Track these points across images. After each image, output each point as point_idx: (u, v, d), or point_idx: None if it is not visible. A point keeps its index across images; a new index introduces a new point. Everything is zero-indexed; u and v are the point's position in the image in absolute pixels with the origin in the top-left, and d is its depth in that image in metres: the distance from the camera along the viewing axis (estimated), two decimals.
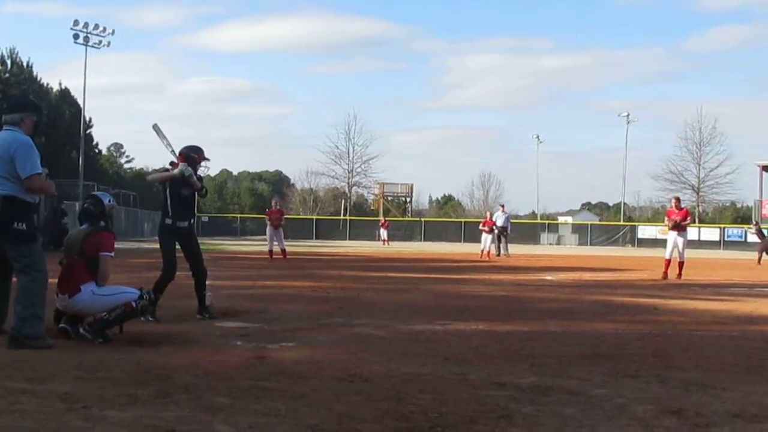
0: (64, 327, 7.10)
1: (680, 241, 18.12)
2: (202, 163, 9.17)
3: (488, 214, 32.54)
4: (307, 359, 6.16)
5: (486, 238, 29.30)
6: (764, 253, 28.64)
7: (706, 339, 8.03)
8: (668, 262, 18.07)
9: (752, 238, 59.18)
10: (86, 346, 6.58)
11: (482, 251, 28.95)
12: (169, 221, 8.92)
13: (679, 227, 18.14)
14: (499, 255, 29.33)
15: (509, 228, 31.95)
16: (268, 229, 23.77)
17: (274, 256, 23.40)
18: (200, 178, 9.17)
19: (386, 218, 62.97)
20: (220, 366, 5.74)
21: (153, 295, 7.64)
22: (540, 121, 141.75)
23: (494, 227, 29.83)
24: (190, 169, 8.83)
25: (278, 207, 24.86)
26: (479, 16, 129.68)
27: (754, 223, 34.82)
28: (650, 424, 4.32)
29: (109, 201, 7.71)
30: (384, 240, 53.16)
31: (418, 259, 29.53)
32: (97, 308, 7.03)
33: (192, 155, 9.07)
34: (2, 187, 6.55)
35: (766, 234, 29.68)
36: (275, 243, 23.58)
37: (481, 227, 30.12)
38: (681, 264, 17.96)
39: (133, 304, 7.04)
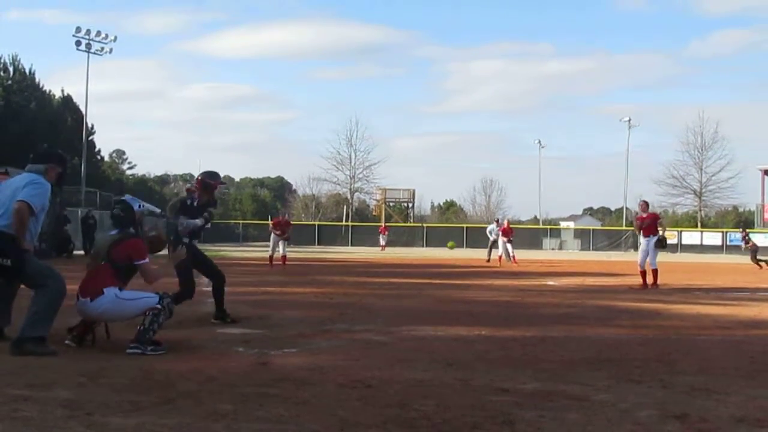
0: (69, 344, 7.02)
1: (650, 247, 16.93)
2: (219, 188, 9.31)
3: (506, 221, 32.64)
4: (309, 365, 6.15)
5: (501, 245, 29.39)
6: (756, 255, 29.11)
7: (709, 343, 8.02)
8: (643, 272, 16.66)
9: (759, 241, 59.50)
10: (89, 353, 6.57)
11: (500, 257, 29.04)
12: (186, 241, 8.98)
13: (646, 232, 17.00)
14: (509, 260, 28.74)
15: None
16: (272, 236, 23.84)
17: (274, 262, 23.48)
18: (215, 202, 9.46)
19: (386, 224, 63.17)
20: (223, 372, 5.73)
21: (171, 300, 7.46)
22: (542, 126, 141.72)
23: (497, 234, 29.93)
24: (207, 215, 9.11)
25: (286, 218, 24.98)
26: (480, 22, 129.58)
27: (741, 230, 35.10)
28: (653, 429, 4.31)
29: (139, 207, 7.62)
30: (382, 246, 53.39)
31: (421, 264, 29.53)
32: (117, 313, 6.99)
33: (208, 182, 9.23)
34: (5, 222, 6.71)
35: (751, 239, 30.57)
36: (277, 250, 23.63)
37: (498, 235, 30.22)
38: (654, 272, 16.66)
39: (158, 305, 6.94)
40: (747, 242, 31.16)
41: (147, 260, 7.20)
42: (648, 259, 16.66)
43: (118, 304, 6.96)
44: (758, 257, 29.22)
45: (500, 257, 29.01)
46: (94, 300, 6.95)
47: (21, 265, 6.75)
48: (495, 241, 30.21)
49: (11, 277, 6.86)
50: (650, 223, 17.14)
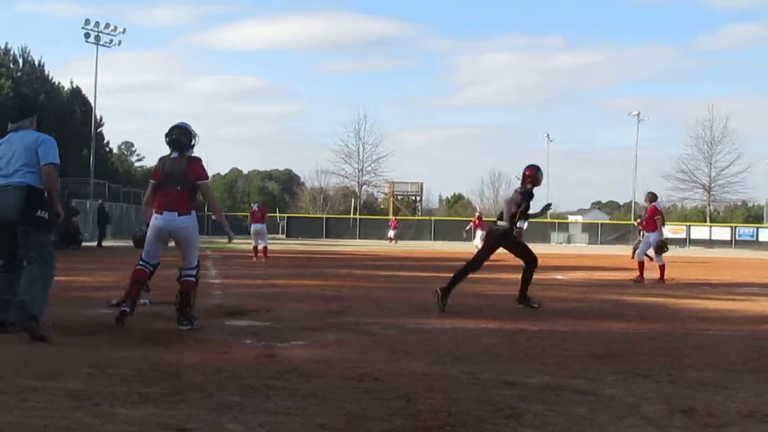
0: (125, 310, 7.56)
1: (646, 240, 17.11)
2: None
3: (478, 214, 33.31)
4: (316, 358, 6.16)
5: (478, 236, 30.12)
6: None
7: (717, 338, 8.01)
8: (641, 263, 16.75)
9: (763, 237, 59.30)
10: (96, 344, 6.59)
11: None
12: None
13: (646, 227, 17.28)
14: None
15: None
16: (252, 228, 23.67)
17: (257, 254, 23.30)
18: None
19: (395, 217, 63.41)
20: (231, 364, 5.75)
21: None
22: (550, 119, 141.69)
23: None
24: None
25: (260, 206, 24.61)
26: (490, 15, 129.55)
27: None
28: (661, 423, 4.30)
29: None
30: (390, 238, 53.71)
31: (428, 258, 29.53)
32: (191, 237, 7.69)
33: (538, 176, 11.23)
34: (27, 177, 6.93)
35: None
36: (259, 241, 23.52)
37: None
38: (640, 264, 16.74)
39: (196, 276, 7.78)
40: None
41: (207, 181, 7.86)
42: (643, 250, 16.91)
43: (196, 230, 7.77)
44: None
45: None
46: (182, 215, 7.57)
47: (52, 223, 7.09)
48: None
49: (35, 235, 6.95)
50: (648, 218, 17.11)
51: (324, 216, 70.20)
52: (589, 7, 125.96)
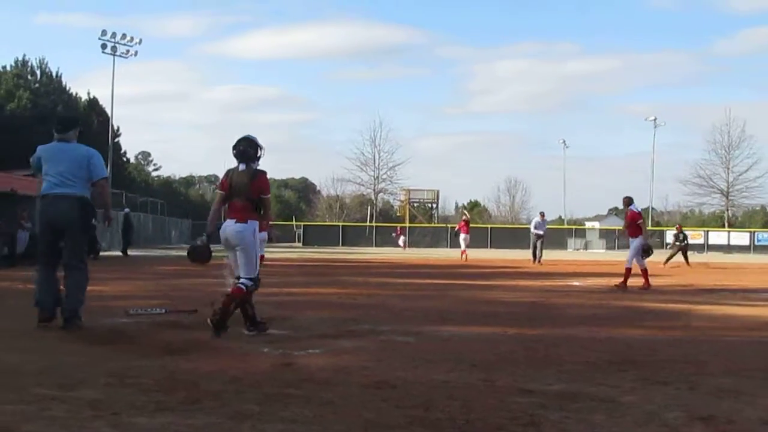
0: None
1: (632, 247, 16.37)
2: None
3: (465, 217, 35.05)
4: (333, 366, 6.16)
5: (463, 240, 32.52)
6: None
7: (737, 345, 7.95)
8: (628, 270, 16.11)
9: None
10: (115, 353, 6.62)
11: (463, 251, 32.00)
12: None
13: (628, 233, 16.47)
14: (538, 262, 28.17)
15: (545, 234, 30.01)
16: None
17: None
18: None
19: (401, 226, 64.27)
20: (248, 373, 5.75)
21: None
22: (566, 125, 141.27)
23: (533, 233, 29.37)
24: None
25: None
26: (503, 22, 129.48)
27: None
28: (680, 431, 4.28)
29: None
30: (402, 246, 54.71)
31: (445, 265, 29.49)
32: (249, 245, 7.80)
33: None
34: (77, 188, 7.99)
35: None
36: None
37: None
38: (627, 270, 16.08)
39: (252, 284, 7.89)
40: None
41: (269, 196, 8.02)
42: (631, 256, 16.21)
43: (251, 239, 7.83)
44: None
45: (464, 251, 31.74)
46: (239, 223, 7.74)
47: (93, 231, 8.49)
48: (539, 238, 29.13)
49: (81, 240, 8.14)
50: (630, 223, 16.50)
51: (340, 224, 70.33)
52: (603, 14, 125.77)
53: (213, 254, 8.22)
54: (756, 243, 61.21)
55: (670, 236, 39.04)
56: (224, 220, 7.91)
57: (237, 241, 7.79)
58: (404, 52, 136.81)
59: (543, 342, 7.72)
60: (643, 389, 5.36)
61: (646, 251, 16.25)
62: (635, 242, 16.20)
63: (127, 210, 37.05)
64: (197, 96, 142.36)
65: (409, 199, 79.04)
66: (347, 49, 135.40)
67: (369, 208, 78.70)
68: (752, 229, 67.06)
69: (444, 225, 72.81)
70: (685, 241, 31.01)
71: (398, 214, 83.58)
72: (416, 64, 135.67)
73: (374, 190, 77.99)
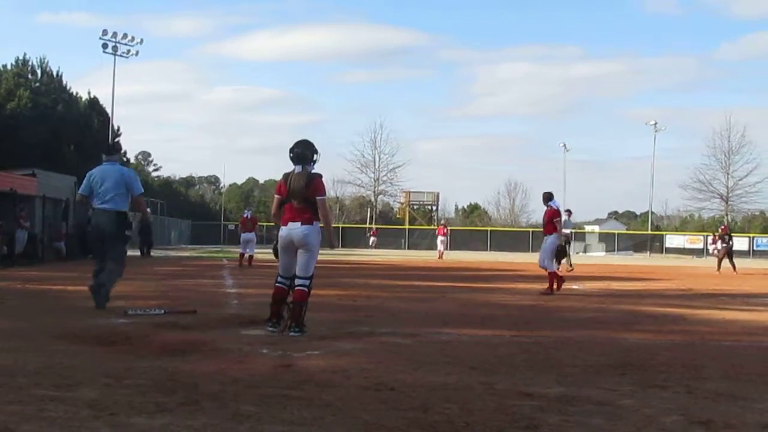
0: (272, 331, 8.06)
1: (545, 246, 15.28)
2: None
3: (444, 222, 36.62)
4: (333, 368, 6.16)
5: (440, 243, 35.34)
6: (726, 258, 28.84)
7: (735, 349, 7.95)
8: (552, 274, 15.17)
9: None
10: (114, 354, 6.62)
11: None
12: None
13: (545, 229, 15.50)
14: (569, 266, 24.91)
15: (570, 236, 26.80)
16: (242, 236, 24.94)
17: (243, 262, 24.41)
18: None
19: (376, 227, 65.73)
20: (247, 374, 5.76)
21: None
22: (567, 129, 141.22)
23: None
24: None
25: (251, 216, 25.88)
26: (507, 25, 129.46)
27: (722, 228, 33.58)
28: None
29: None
30: (372, 246, 56.50)
31: (444, 267, 29.48)
32: (312, 246, 8.08)
33: None
34: (117, 203, 10.02)
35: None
36: (247, 249, 24.57)
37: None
38: (550, 276, 15.09)
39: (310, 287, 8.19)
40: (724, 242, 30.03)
41: (325, 197, 8.25)
42: (548, 259, 15.19)
43: (316, 241, 8.15)
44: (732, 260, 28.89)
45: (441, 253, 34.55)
46: (304, 225, 8.01)
47: (130, 236, 11.08)
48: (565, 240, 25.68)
49: (118, 244, 10.26)
50: (546, 221, 15.47)
51: (340, 225, 70.28)
52: (607, 17, 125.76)
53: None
54: (755, 248, 61.20)
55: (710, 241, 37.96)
56: (282, 224, 8.18)
57: (304, 242, 8.06)
58: (407, 54, 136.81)
59: (542, 345, 7.72)
60: (642, 393, 5.37)
61: (560, 252, 15.06)
62: (548, 240, 15.21)
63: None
64: (198, 96, 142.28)
65: (409, 201, 79.05)
66: (350, 51, 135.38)
67: (369, 210, 78.69)
68: (751, 234, 67.02)
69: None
70: (731, 242, 29.93)
71: (398, 216, 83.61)
72: (419, 67, 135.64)
73: (374, 192, 78.00)
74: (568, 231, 26.40)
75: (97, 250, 10.27)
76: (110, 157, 10.41)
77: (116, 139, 55.07)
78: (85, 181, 10.22)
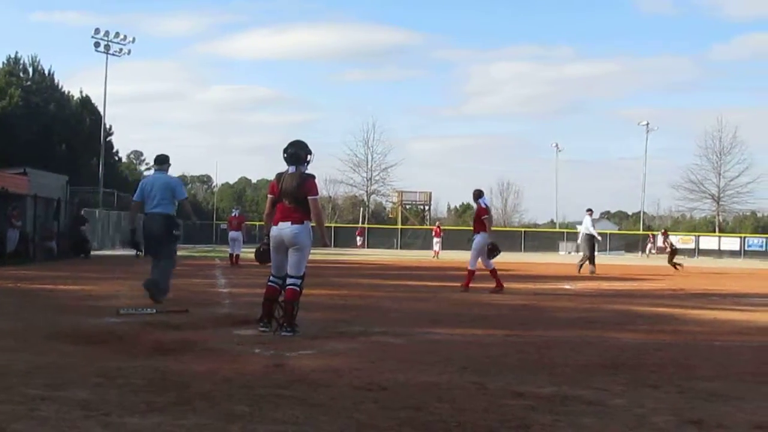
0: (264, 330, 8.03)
1: (474, 245, 15.03)
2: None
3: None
4: (325, 367, 6.16)
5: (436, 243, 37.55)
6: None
7: (726, 349, 7.98)
8: (471, 272, 15.14)
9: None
10: (105, 353, 6.61)
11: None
12: None
13: (474, 227, 15.25)
14: (592, 271, 23.75)
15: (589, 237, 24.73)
16: (229, 234, 25.39)
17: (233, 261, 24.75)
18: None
19: (361, 226, 68.69)
20: (239, 374, 5.75)
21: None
22: (560, 129, 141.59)
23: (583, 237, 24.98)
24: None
25: (238, 215, 26.25)
26: (500, 25, 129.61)
27: (662, 231, 33.63)
28: None
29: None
30: (359, 245, 57.29)
31: (437, 267, 29.50)
32: (303, 246, 8.09)
33: None
34: (165, 207, 11.12)
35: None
36: (234, 248, 24.86)
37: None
38: (469, 273, 15.13)
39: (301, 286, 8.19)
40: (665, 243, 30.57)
41: (317, 197, 8.33)
42: (474, 258, 15.07)
43: (307, 240, 8.18)
44: (675, 260, 29.13)
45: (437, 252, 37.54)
46: (295, 224, 8.05)
47: (180, 236, 11.88)
48: (590, 239, 24.52)
49: (168, 244, 11.37)
50: (475, 218, 15.45)
51: (333, 225, 70.21)
52: (600, 18, 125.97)
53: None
54: (746, 248, 61.40)
55: (659, 241, 38.85)
56: (273, 223, 8.20)
57: (294, 241, 8.08)
58: (401, 54, 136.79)
59: (534, 345, 7.73)
60: (633, 392, 5.38)
61: (491, 250, 14.94)
62: (477, 239, 14.92)
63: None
64: (191, 96, 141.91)
65: (402, 200, 79.03)
66: (344, 51, 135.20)
67: (361, 209, 78.67)
68: (743, 235, 67.24)
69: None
70: (673, 244, 31.09)
71: (390, 215, 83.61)
72: (413, 66, 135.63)
73: (367, 191, 78.03)
74: (593, 232, 25.00)
75: (150, 250, 11.56)
76: (160, 167, 11.65)
77: (108, 138, 55.06)
78: (138, 190, 11.49)
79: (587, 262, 24.19)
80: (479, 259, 15.16)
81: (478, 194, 15.52)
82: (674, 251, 30.46)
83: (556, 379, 5.81)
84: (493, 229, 15.63)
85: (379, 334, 8.36)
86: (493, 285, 14.99)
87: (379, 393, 5.16)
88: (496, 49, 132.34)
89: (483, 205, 15.34)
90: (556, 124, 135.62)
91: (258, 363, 6.33)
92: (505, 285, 15.18)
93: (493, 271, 15.12)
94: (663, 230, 33.73)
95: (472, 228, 15.54)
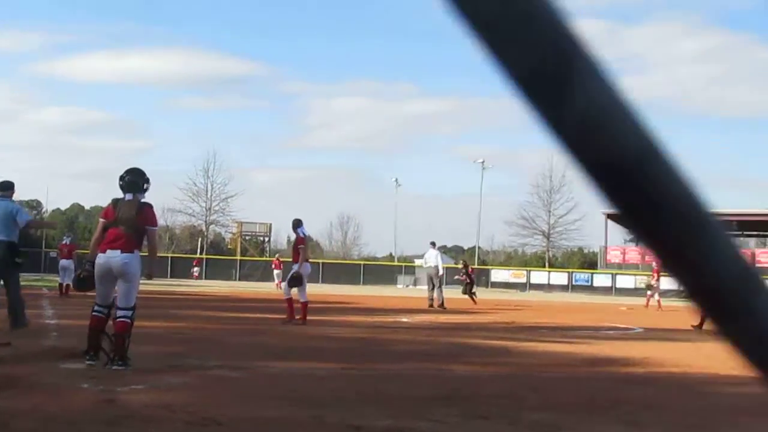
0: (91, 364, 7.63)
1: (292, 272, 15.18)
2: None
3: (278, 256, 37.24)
4: (158, 402, 5.96)
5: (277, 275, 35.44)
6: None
7: (554, 380, 8.29)
8: (289, 301, 15.25)
9: (597, 282, 62.17)
10: None
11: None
12: None
13: (293, 256, 15.63)
14: (441, 305, 24.25)
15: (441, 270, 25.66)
16: (60, 263, 24.32)
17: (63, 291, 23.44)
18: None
19: (198, 257, 67.56)
20: (65, 410, 5.48)
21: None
22: (401, 164, 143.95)
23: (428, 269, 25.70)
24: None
25: (70, 242, 25.43)
26: (343, 60, 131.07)
27: (462, 263, 35.07)
28: None
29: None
30: (194, 276, 58.47)
31: (275, 299, 29.25)
32: (132, 276, 7.82)
33: None
34: (10, 235, 11.08)
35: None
36: (65, 278, 23.56)
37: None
38: (303, 305, 15.14)
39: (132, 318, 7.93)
40: (464, 275, 31.85)
41: (156, 228, 8.07)
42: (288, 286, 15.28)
43: (137, 270, 7.92)
44: (472, 291, 30.01)
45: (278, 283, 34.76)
46: (125, 253, 7.74)
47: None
48: (432, 277, 25.22)
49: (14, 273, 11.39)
50: (294, 248, 15.74)
51: (169, 255, 68.49)
52: (439, 56, 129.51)
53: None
54: (574, 283, 64.21)
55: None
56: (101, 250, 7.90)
57: (124, 270, 7.79)
58: (244, 83, 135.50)
59: (372, 378, 7.78)
60: (466, 424, 5.49)
61: (295, 279, 15.02)
62: (295, 269, 15.08)
63: None
64: (23, 117, 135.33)
65: (242, 231, 78.13)
66: (186, 78, 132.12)
67: (200, 239, 77.21)
68: (570, 270, 70.33)
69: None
70: (472, 275, 31.54)
71: (230, 246, 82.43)
72: (256, 97, 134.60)
73: (206, 221, 76.67)
74: (439, 263, 25.80)
75: None
76: (4, 194, 11.47)
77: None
78: None
79: (436, 295, 24.50)
80: (296, 289, 15.09)
81: (296, 224, 15.43)
82: (471, 282, 31.40)
83: (393, 412, 5.85)
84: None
85: (216, 367, 8.18)
86: (291, 317, 14.94)
87: (214, 428, 5.04)
88: (337, 83, 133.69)
89: (301, 235, 15.34)
90: (396, 159, 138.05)
91: (86, 398, 6.05)
92: (342, 318, 15.22)
93: (290, 301, 15.11)
94: (463, 261, 34.54)
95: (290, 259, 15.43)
